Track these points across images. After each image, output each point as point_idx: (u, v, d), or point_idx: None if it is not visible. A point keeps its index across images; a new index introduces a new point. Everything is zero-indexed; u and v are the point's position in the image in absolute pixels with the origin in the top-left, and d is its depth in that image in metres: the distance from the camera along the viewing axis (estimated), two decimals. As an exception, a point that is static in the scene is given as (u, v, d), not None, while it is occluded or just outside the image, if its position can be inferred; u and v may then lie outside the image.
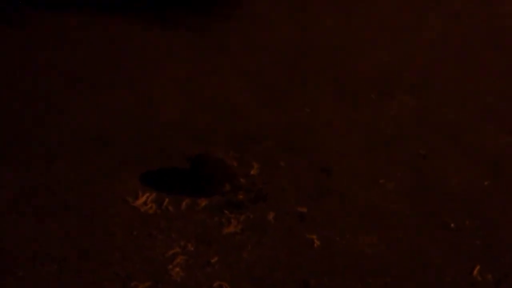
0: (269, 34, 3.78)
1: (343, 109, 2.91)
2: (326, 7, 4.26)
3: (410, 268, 1.96)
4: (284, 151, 2.53)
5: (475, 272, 1.96)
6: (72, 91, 2.93)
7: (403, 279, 1.91)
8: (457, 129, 2.80)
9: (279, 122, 2.75)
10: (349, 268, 1.94)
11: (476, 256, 2.02)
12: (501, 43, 3.83)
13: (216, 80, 3.14)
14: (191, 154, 2.36)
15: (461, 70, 3.46)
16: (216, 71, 3.24)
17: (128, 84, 3.03)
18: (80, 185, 2.25)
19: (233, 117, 2.76)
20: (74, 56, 3.33)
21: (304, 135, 2.66)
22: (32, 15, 3.80)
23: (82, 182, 2.26)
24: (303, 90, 3.08)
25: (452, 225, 2.16)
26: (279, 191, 2.29)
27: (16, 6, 3.86)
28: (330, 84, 3.15)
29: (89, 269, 1.87)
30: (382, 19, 4.16)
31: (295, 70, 3.30)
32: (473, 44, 3.81)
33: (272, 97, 2.98)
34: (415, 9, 4.42)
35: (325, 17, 4.08)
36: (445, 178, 2.43)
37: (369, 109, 2.92)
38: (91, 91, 2.94)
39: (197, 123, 2.69)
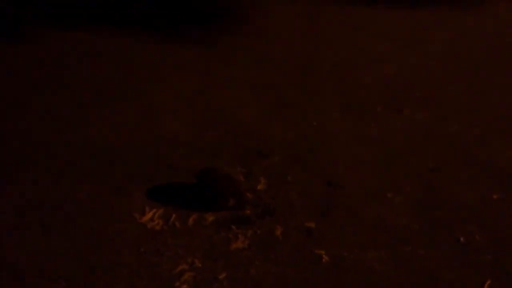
0: (275, 48, 3.80)
1: (350, 122, 2.90)
2: (333, 21, 4.29)
3: (420, 284, 1.93)
4: (291, 166, 2.52)
5: (485, 287, 1.92)
6: (79, 106, 2.95)
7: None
8: (466, 143, 2.78)
9: (286, 136, 2.75)
10: (358, 284, 1.91)
11: (486, 271, 1.99)
12: (508, 58, 3.82)
13: (223, 94, 3.15)
14: (198, 169, 2.36)
15: (469, 84, 3.45)
16: (223, 85, 3.26)
17: (135, 99, 3.06)
18: (87, 201, 2.25)
19: (240, 131, 2.77)
20: (80, 71, 3.37)
21: (311, 149, 2.65)
22: (38, 30, 3.85)
23: (89, 198, 2.27)
24: (310, 103, 3.08)
25: (462, 239, 2.14)
26: (286, 206, 2.28)
27: (22, 22, 3.92)
28: (337, 98, 3.15)
29: (96, 285, 1.87)
30: (389, 32, 4.18)
31: (301, 84, 3.31)
32: (481, 58, 3.80)
33: (279, 111, 2.99)
34: (422, 22, 4.43)
35: (332, 31, 4.10)
36: (454, 192, 2.40)
37: (376, 122, 2.91)
38: (98, 106, 2.96)
39: (204, 137, 2.70)
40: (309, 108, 3.04)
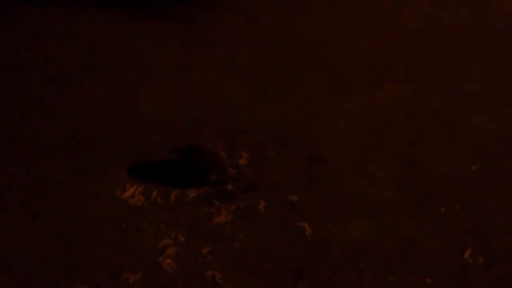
0: (256, 27, 3.76)
1: (331, 99, 2.91)
2: (313, -1, 4.26)
3: (403, 254, 1.96)
4: (273, 142, 2.52)
5: (466, 255, 1.96)
6: (57, 87, 2.88)
7: (395, 265, 1.91)
8: (445, 117, 2.82)
9: (268, 114, 2.74)
10: (342, 255, 1.93)
11: (467, 240, 2.03)
12: (488, 31, 3.86)
13: (204, 73, 3.11)
14: (179, 147, 2.33)
15: (449, 59, 3.48)
16: (204, 64, 3.22)
17: (114, 77, 3.00)
18: (67, 181, 2.21)
19: (222, 109, 2.74)
20: (57, 50, 3.28)
21: (293, 125, 2.65)
22: (13, 8, 3.73)
23: (69, 177, 2.23)
24: (291, 81, 3.07)
25: (443, 210, 2.17)
26: (269, 180, 2.27)
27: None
28: (318, 75, 3.15)
29: (79, 264, 1.84)
30: (369, 7, 4.17)
31: (283, 62, 3.29)
32: (462, 32, 3.83)
33: (261, 90, 2.97)
34: None
35: (313, 8, 4.08)
36: (434, 165, 2.44)
37: (357, 98, 2.92)
38: (77, 86, 2.89)
39: (185, 117, 2.67)
40: (290, 86, 3.03)
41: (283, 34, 3.63)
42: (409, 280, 1.85)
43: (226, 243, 1.96)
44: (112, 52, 3.28)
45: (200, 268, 1.86)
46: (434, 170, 2.40)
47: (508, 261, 1.94)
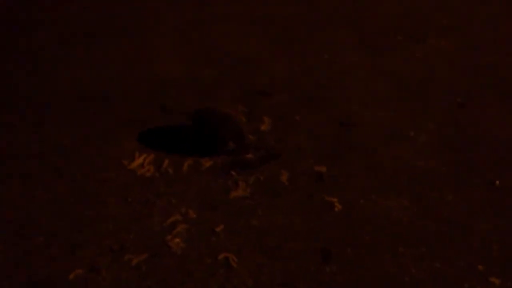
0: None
1: (365, 54, 2.56)
2: None
3: (449, 236, 1.67)
4: (299, 105, 2.23)
5: (526, 237, 1.66)
6: (64, 45, 2.66)
7: (441, 249, 1.63)
8: (496, 74, 2.44)
9: (293, 72, 2.44)
10: (376, 236, 1.67)
11: (526, 219, 1.72)
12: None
13: (221, 29, 2.81)
14: (194, 110, 2.08)
15: (499, 9, 3.04)
16: (220, 19, 2.91)
17: (125, 37, 2.74)
18: (71, 148, 2.01)
19: (241, 68, 2.46)
20: (67, 8, 3.05)
21: (321, 85, 2.34)
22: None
23: (73, 144, 2.03)
24: (319, 35, 2.73)
25: (497, 182, 1.85)
26: (293, 148, 2.01)
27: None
28: (349, 28, 2.79)
29: (78, 241, 1.65)
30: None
31: (308, 15, 2.94)
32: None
33: (285, 45, 2.65)
34: None
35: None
36: (486, 129, 2.10)
37: (395, 53, 2.56)
38: (86, 45, 2.66)
39: (201, 77, 2.41)
40: (318, 40, 2.69)
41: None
42: (458, 267, 1.57)
43: (243, 220, 1.73)
44: (121, 10, 3.02)
45: (213, 249, 1.64)
46: (486, 135, 2.07)
47: None
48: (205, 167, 1.93)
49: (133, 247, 1.64)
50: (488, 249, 1.62)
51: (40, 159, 1.96)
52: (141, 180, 1.88)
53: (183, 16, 2.95)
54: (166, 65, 2.49)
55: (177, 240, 1.66)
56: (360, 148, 2.01)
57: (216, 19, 2.91)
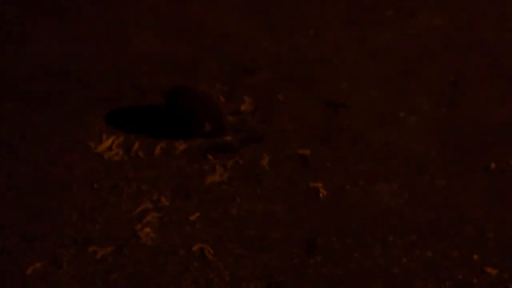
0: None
1: (353, 30, 2.40)
2: None
3: (442, 223, 1.55)
4: (283, 83, 2.07)
5: (524, 225, 1.55)
6: (29, 19, 2.45)
7: (433, 238, 1.51)
8: (493, 51, 2.30)
9: (277, 49, 2.27)
10: (365, 224, 1.54)
11: (524, 205, 1.61)
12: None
13: (202, 2, 2.62)
14: (167, 89, 1.92)
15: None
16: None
17: (96, 10, 2.54)
18: (32, 129, 1.83)
19: (222, 46, 2.28)
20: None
21: (308, 63, 2.19)
22: None
23: (35, 125, 1.85)
24: (304, 9, 2.56)
25: (492, 165, 1.73)
26: (276, 131, 1.86)
27: None
28: (337, 1, 2.62)
29: (38, 232, 1.50)
30: None
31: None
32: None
33: (268, 20, 2.47)
34: None
35: None
36: (481, 109, 1.97)
37: (385, 29, 2.41)
38: (53, 18, 2.46)
39: (177, 54, 2.23)
40: (303, 15, 2.52)
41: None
42: (451, 257, 1.45)
43: (220, 208, 1.58)
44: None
45: (187, 239, 1.49)
46: (481, 116, 1.94)
47: None
48: (179, 151, 1.77)
49: (99, 238, 1.49)
50: (484, 238, 1.51)
51: (-2, 142, 1.79)
52: (109, 164, 1.72)
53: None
54: (139, 41, 2.31)
55: (147, 230, 1.52)
56: (348, 130, 1.87)
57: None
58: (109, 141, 1.79)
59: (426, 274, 1.41)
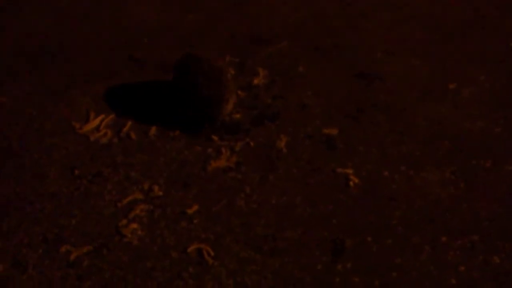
0: None
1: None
2: None
3: (511, 220, 1.20)
4: (304, 54, 1.75)
5: None
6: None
7: (500, 239, 1.16)
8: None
9: (297, 15, 1.95)
10: (408, 221, 1.20)
11: None
12: None
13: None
14: (171, 61, 1.62)
15: None
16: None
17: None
18: (10, 108, 1.57)
19: (234, 13, 1.97)
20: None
21: (334, 31, 1.85)
22: None
23: (11, 104, 1.59)
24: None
25: None
26: (295, 107, 1.54)
27: None
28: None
29: (1, 229, 1.23)
30: None
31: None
32: None
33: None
34: None
35: None
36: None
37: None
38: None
39: (182, 23, 1.93)
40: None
41: None
42: (527, 265, 1.10)
43: (224, 200, 1.27)
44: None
45: (182, 238, 1.19)
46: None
47: None
48: (178, 131, 1.47)
49: (74, 235, 1.21)
50: None
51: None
52: (95, 147, 1.43)
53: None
54: (138, 8, 2.02)
55: (133, 226, 1.22)
56: (384, 106, 1.53)
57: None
58: (97, 121, 1.51)
59: (493, 286, 1.07)
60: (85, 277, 1.12)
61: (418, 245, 1.15)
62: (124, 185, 1.33)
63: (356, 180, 1.31)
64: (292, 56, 1.73)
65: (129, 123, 1.51)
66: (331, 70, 1.67)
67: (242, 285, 1.10)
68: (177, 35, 1.87)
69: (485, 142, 1.40)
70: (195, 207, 1.26)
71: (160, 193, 1.30)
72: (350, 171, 1.33)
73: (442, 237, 1.16)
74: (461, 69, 1.64)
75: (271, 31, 1.85)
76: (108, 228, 1.22)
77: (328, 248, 1.16)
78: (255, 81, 1.63)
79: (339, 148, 1.40)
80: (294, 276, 1.10)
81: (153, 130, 1.48)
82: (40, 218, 1.25)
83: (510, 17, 1.88)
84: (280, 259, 1.14)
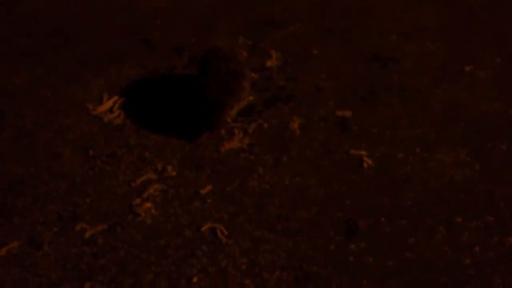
0: None
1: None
2: None
3: (527, 201, 1.19)
4: (318, 36, 1.73)
5: None
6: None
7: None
8: None
9: (312, -1, 1.93)
10: (422, 202, 1.20)
11: None
12: None
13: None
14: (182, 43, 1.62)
15: None
16: None
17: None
18: (22, 88, 1.58)
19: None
20: None
21: (348, 13, 1.83)
22: None
23: (26, 85, 1.59)
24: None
25: None
26: (309, 89, 1.53)
27: None
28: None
29: (17, 206, 1.24)
30: None
31: None
32: None
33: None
34: None
35: None
36: None
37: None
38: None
39: (195, 5, 1.92)
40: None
41: None
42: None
43: (238, 180, 1.27)
44: None
45: (195, 217, 1.20)
46: None
47: None
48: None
49: (89, 214, 1.22)
50: None
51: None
52: (108, 128, 1.44)
53: None
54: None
55: (147, 205, 1.23)
56: (399, 88, 1.51)
57: None
58: (110, 102, 1.51)
59: (508, 267, 1.06)
60: (100, 255, 1.14)
61: (433, 226, 1.14)
62: (138, 165, 1.33)
63: (370, 162, 1.30)
64: (305, 39, 1.72)
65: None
66: (345, 52, 1.66)
67: (255, 263, 1.10)
68: (190, 17, 1.86)
69: (501, 124, 1.38)
70: (209, 187, 1.26)
71: (174, 174, 1.30)
72: (364, 152, 1.32)
73: (457, 218, 1.15)
74: (477, 52, 1.62)
75: (284, 14, 1.83)
76: (122, 207, 1.23)
77: (342, 229, 1.16)
78: (268, 63, 1.62)
79: (353, 130, 1.39)
80: (307, 255, 1.10)
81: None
82: (55, 197, 1.26)
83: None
84: (294, 238, 1.14)
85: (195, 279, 1.07)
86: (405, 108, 1.45)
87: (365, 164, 1.29)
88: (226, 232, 1.16)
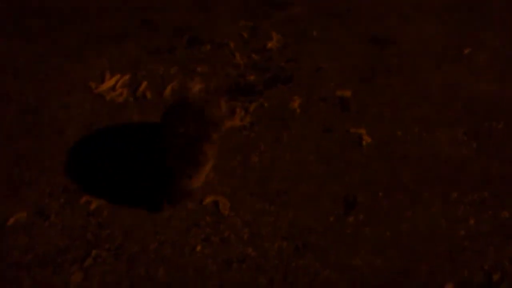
0: None
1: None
2: None
3: (521, 177, 1.22)
4: (318, 18, 1.75)
5: None
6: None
7: (509, 194, 1.18)
8: None
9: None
10: (420, 177, 1.23)
11: None
12: None
13: None
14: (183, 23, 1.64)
15: None
16: None
17: None
18: (25, 67, 1.59)
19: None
20: None
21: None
22: None
23: (29, 63, 1.61)
24: None
25: None
26: (309, 70, 1.55)
27: None
28: None
29: (24, 178, 1.26)
30: None
31: None
32: None
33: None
34: None
35: None
36: None
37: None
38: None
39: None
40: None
41: None
42: (535, 220, 1.12)
43: (239, 156, 1.30)
44: None
45: (197, 191, 1.23)
46: None
47: None
48: (194, 90, 1.49)
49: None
50: None
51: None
52: (111, 106, 1.46)
53: None
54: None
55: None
56: (398, 70, 1.54)
57: None
58: (113, 80, 1.53)
59: (501, 239, 1.09)
60: (105, 226, 1.16)
61: (429, 200, 1.17)
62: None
63: (369, 140, 1.33)
64: (306, 21, 1.74)
65: (145, 82, 1.53)
66: (345, 34, 1.68)
67: (257, 234, 1.13)
68: (190, -1, 1.88)
69: (498, 105, 1.41)
70: (211, 163, 1.29)
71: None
72: (363, 131, 1.35)
73: (453, 193, 1.19)
74: (476, 35, 1.64)
75: (285, -4, 1.85)
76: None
77: (341, 202, 1.19)
78: (269, 45, 1.64)
79: (353, 110, 1.42)
80: (307, 227, 1.13)
81: (168, 89, 1.50)
82: (60, 171, 1.28)
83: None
84: (294, 211, 1.17)
85: (198, 248, 1.10)
86: (404, 88, 1.48)
87: (364, 142, 1.32)
88: (228, 205, 1.19)
